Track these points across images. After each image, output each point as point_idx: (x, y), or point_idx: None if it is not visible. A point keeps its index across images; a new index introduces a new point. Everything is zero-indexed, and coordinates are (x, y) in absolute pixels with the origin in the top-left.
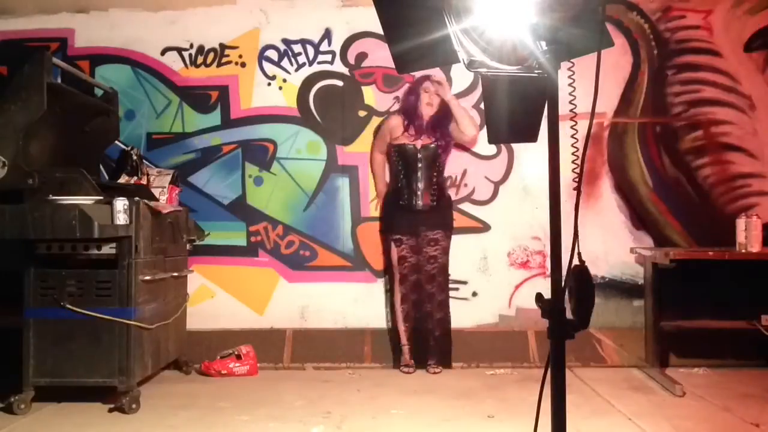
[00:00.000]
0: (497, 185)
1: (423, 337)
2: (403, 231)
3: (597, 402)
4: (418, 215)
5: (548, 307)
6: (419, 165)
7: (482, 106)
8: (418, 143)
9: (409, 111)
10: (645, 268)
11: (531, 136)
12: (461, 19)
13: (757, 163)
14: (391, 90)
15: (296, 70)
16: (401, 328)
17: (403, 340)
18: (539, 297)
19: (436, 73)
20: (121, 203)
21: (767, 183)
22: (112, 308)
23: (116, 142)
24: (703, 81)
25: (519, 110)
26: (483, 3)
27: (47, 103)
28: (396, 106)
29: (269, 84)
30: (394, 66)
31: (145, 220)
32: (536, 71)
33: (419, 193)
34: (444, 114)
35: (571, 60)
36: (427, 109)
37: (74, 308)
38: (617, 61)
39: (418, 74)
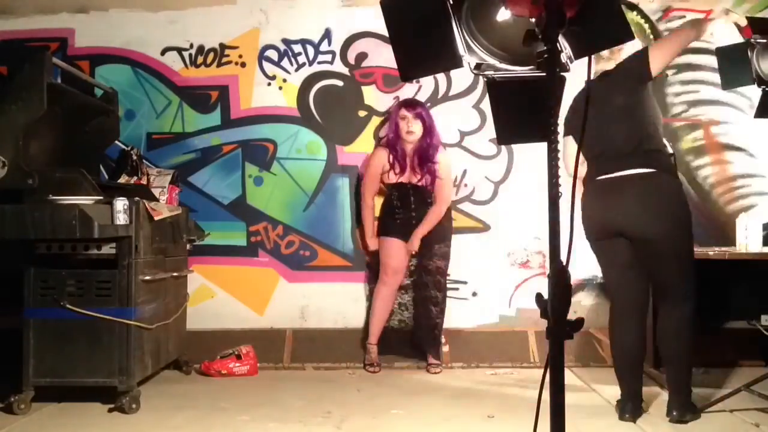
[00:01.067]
0: (497, 185)
1: (422, 338)
2: (400, 237)
3: (597, 402)
4: (413, 221)
5: (546, 305)
6: (412, 203)
7: (482, 105)
8: (407, 180)
9: (392, 145)
10: None
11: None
12: (469, 20)
13: (757, 163)
14: (391, 90)
15: (296, 70)
16: (376, 327)
17: (373, 339)
18: (539, 297)
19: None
20: (121, 203)
21: (767, 183)
22: (112, 308)
23: (116, 142)
24: (703, 81)
25: (530, 109)
26: (493, 1)
27: (47, 103)
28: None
29: (269, 84)
30: (398, 72)
31: (145, 220)
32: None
33: (414, 222)
34: (430, 139)
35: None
36: (410, 137)
37: (74, 308)
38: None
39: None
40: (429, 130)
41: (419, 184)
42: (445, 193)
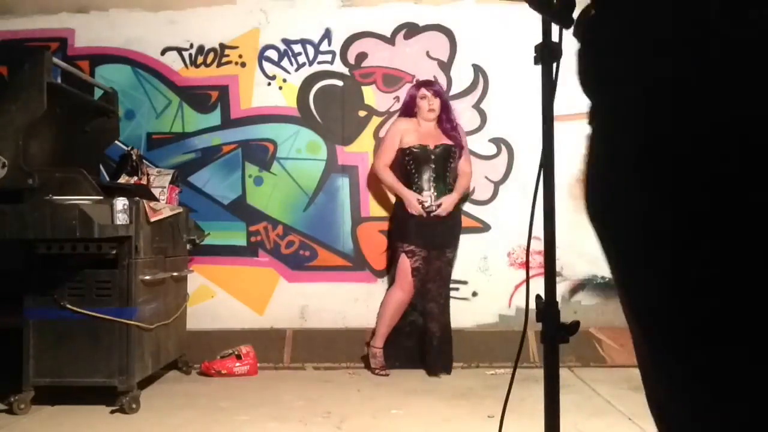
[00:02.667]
0: (497, 185)
1: (426, 343)
2: (418, 242)
3: (597, 402)
4: (432, 221)
5: (542, 309)
6: (432, 165)
7: (482, 105)
8: (431, 144)
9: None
10: None
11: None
12: None
13: None
14: (391, 90)
15: (296, 70)
16: (384, 331)
17: (380, 343)
18: (540, 298)
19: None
20: (121, 203)
21: None
22: (112, 308)
23: (116, 142)
24: None
25: None
26: None
27: (47, 103)
28: (396, 106)
29: (269, 84)
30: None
31: (145, 220)
32: None
33: (434, 194)
34: (447, 114)
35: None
36: (431, 115)
37: (74, 308)
38: None
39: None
40: (446, 105)
41: (443, 143)
42: (469, 168)
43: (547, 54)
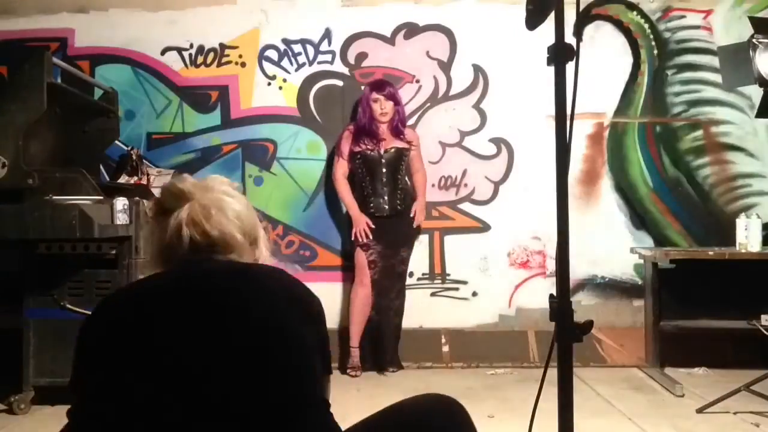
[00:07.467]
0: (497, 185)
1: (381, 340)
2: (372, 237)
3: (597, 402)
4: (385, 222)
5: (556, 308)
6: (383, 170)
7: (482, 105)
8: (381, 148)
9: (365, 126)
10: (645, 268)
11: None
12: None
13: (757, 163)
14: None
15: (296, 70)
16: (355, 330)
17: (355, 342)
18: (553, 297)
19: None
20: (121, 203)
21: (767, 183)
22: None
23: (116, 142)
24: (703, 81)
25: None
26: None
27: (47, 103)
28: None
29: (269, 84)
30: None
31: (145, 220)
32: None
33: (385, 197)
34: (401, 119)
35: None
36: (384, 118)
37: (74, 308)
38: (617, 61)
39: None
40: (399, 107)
41: (393, 146)
42: (422, 164)
43: (561, 54)
